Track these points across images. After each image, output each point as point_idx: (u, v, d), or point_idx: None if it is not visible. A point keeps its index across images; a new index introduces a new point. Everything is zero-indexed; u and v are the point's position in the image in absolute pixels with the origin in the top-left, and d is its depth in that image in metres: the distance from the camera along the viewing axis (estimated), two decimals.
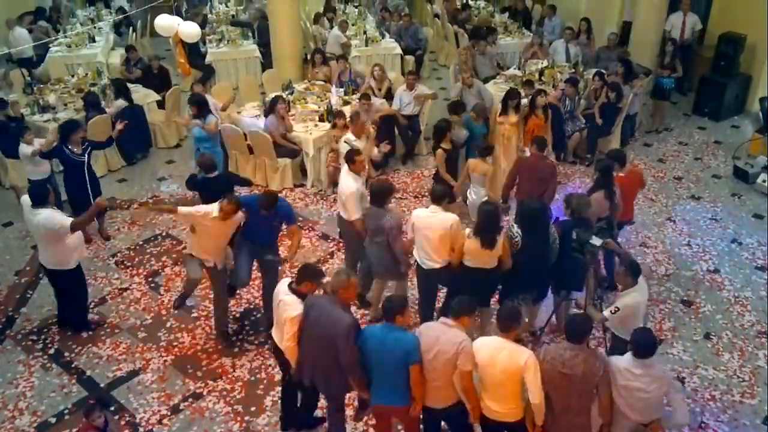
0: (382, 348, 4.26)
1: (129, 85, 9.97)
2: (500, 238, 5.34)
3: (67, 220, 5.69)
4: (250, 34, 12.05)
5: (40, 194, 5.78)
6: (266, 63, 11.36)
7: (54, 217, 5.69)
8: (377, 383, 4.41)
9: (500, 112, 8.33)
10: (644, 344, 4.11)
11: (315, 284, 4.67)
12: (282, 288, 4.70)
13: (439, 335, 4.23)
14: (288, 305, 4.55)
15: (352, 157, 6.18)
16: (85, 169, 7.14)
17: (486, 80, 9.93)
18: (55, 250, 5.85)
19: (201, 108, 7.77)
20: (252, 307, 6.56)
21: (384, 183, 6.01)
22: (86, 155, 7.12)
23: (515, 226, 5.50)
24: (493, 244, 5.29)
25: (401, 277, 5.98)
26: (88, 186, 7.15)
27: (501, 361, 4.12)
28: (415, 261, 5.77)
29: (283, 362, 4.88)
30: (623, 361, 4.18)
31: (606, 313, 4.90)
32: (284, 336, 4.56)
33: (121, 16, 12.95)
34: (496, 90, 9.45)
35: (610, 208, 6.03)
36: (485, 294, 5.70)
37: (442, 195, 5.58)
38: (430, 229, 5.45)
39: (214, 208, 5.51)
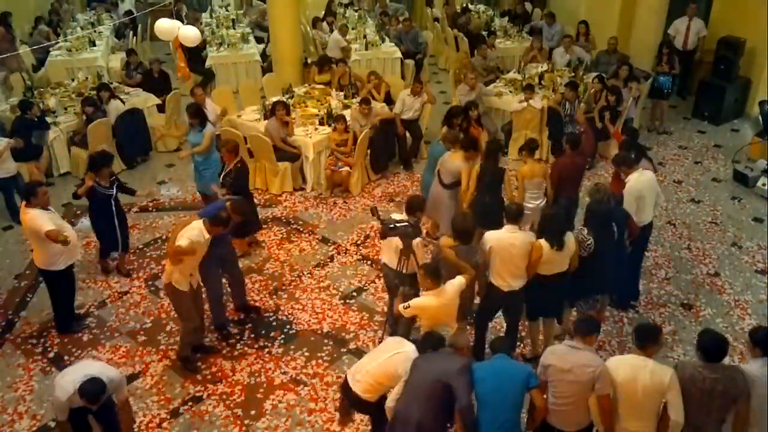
0: (497, 376, 4.16)
1: (129, 88, 10.03)
2: (569, 238, 5.30)
3: (45, 226, 5.67)
4: (251, 38, 12.05)
5: (27, 191, 5.84)
6: (266, 67, 11.38)
7: (37, 218, 5.71)
8: (486, 421, 4.16)
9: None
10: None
11: None
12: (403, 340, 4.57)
13: (569, 359, 4.14)
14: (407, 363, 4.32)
15: (413, 208, 5.59)
16: (112, 202, 6.78)
17: (485, 84, 9.93)
18: (42, 250, 5.89)
19: (199, 118, 7.49)
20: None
21: (470, 220, 5.54)
22: (114, 188, 6.78)
23: (585, 229, 5.47)
24: (563, 245, 5.25)
25: (466, 318, 5.71)
26: (116, 220, 6.85)
27: (643, 380, 4.00)
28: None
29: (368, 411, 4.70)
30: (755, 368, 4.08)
31: (400, 306, 5.01)
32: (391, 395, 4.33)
33: (124, 19, 12.98)
34: None
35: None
36: (560, 301, 5.66)
37: (519, 213, 5.45)
38: (515, 247, 5.27)
39: (202, 229, 5.35)
